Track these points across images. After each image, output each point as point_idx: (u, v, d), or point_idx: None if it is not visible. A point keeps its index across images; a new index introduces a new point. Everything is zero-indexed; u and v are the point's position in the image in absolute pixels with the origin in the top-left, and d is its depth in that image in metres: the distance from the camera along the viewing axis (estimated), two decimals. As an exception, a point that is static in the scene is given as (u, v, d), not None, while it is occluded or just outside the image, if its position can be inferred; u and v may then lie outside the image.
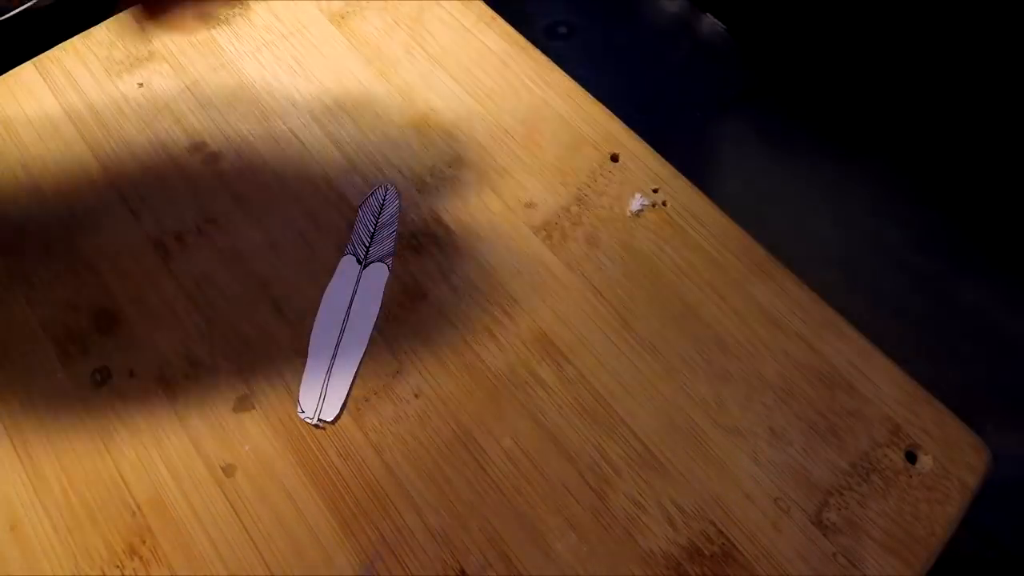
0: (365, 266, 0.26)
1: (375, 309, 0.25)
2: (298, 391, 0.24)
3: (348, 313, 0.25)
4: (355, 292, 0.25)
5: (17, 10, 0.34)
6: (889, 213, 0.39)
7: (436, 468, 0.23)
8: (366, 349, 0.25)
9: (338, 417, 0.23)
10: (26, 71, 0.30)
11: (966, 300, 0.37)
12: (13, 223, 0.27)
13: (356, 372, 0.24)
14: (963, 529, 0.23)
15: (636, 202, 0.28)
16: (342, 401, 0.23)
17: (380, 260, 0.26)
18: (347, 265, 0.26)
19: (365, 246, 0.26)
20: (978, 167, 0.38)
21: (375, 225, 0.26)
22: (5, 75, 0.30)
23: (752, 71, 0.44)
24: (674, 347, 0.25)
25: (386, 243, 0.26)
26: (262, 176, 0.28)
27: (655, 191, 0.28)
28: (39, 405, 0.24)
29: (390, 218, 0.27)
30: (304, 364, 0.24)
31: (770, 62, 0.44)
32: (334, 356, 0.24)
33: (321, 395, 0.24)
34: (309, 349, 0.24)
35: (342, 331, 0.25)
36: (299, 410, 0.23)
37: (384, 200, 0.27)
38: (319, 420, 0.23)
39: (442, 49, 0.31)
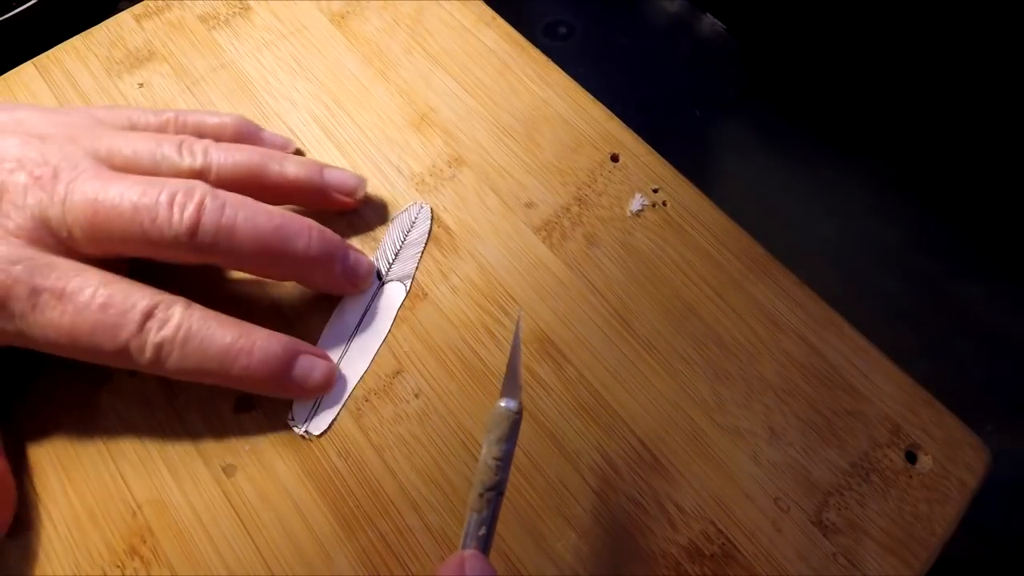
0: (383, 283, 0.26)
1: (384, 329, 0.25)
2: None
3: (357, 328, 0.25)
4: (368, 308, 0.25)
5: (17, 10, 0.34)
6: (889, 213, 0.39)
7: (436, 468, 0.23)
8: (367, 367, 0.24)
9: (324, 433, 0.23)
10: (26, 71, 0.30)
11: (966, 300, 0.37)
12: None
13: (352, 391, 0.24)
14: (963, 529, 0.23)
15: (636, 202, 0.28)
16: (333, 417, 0.23)
17: (400, 280, 0.25)
18: None
19: (388, 262, 0.26)
20: (978, 167, 0.38)
21: (402, 242, 0.26)
22: (5, 75, 0.30)
23: (752, 71, 0.44)
24: (674, 346, 0.25)
25: (409, 263, 0.26)
26: (262, 176, 0.28)
27: (655, 191, 0.28)
28: (39, 405, 0.24)
29: (418, 238, 0.26)
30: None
31: (770, 62, 0.44)
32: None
33: (314, 407, 0.23)
34: None
35: (348, 345, 0.24)
36: (289, 417, 0.23)
37: (416, 218, 0.26)
38: (306, 432, 0.23)
39: (442, 49, 0.31)
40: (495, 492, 0.18)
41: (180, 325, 0.21)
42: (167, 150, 0.23)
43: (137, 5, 0.33)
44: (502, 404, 0.18)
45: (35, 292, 0.20)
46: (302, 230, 0.23)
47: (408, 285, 0.25)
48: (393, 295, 0.25)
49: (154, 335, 0.20)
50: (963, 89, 0.36)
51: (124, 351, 0.20)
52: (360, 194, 0.26)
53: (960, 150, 0.38)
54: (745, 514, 0.22)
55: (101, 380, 0.24)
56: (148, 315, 0.20)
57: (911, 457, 0.23)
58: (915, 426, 0.24)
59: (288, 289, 0.25)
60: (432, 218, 0.27)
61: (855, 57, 0.40)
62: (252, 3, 0.33)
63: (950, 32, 0.35)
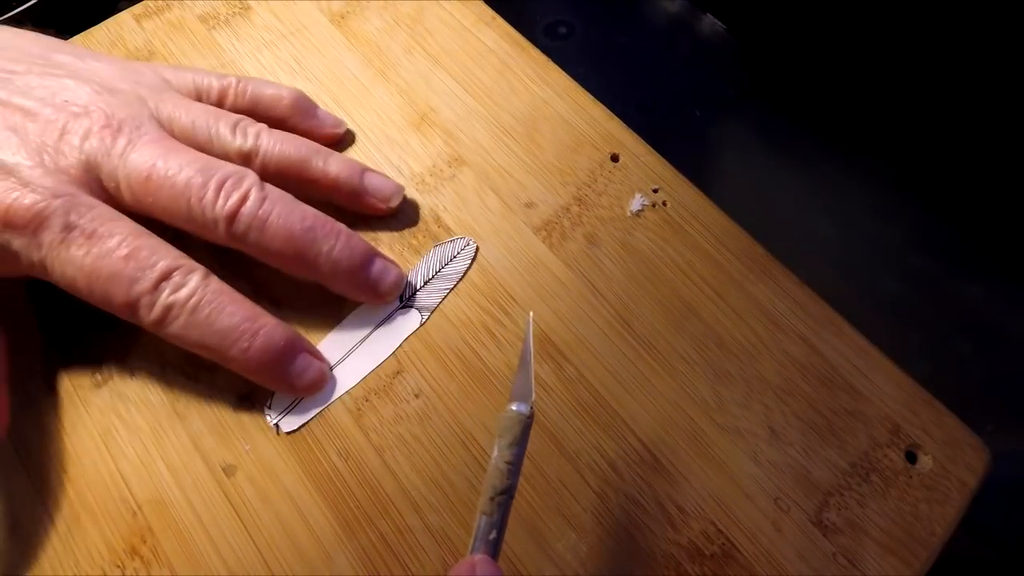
0: (403, 306, 0.25)
1: (386, 352, 0.24)
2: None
3: (361, 342, 0.25)
4: (378, 326, 0.25)
5: (17, 10, 0.34)
6: (889, 213, 0.39)
7: (436, 468, 0.23)
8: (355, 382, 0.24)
9: (293, 432, 0.23)
10: (26, 71, 0.30)
11: (966, 300, 0.37)
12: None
13: (331, 402, 0.24)
14: (963, 529, 0.23)
15: (636, 202, 0.28)
16: (306, 420, 0.23)
17: (419, 309, 0.25)
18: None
19: (415, 288, 0.25)
20: (978, 167, 0.38)
21: (436, 272, 0.26)
22: (5, 75, 0.30)
23: (752, 71, 0.44)
24: (674, 347, 0.25)
25: (435, 295, 0.25)
26: (262, 176, 0.28)
27: (655, 191, 0.28)
28: (39, 405, 0.24)
29: (454, 273, 0.26)
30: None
31: (771, 62, 0.44)
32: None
33: (293, 403, 0.23)
34: None
35: (346, 356, 0.24)
36: (267, 404, 0.23)
37: (458, 253, 0.26)
38: (276, 425, 0.23)
39: (442, 49, 0.31)
40: (506, 496, 0.18)
41: (193, 292, 0.21)
42: (223, 128, 0.24)
43: (137, 5, 0.33)
44: (513, 407, 0.18)
45: (68, 227, 0.20)
46: (330, 234, 0.23)
47: (425, 318, 0.25)
48: (407, 322, 0.25)
49: (166, 296, 0.21)
50: (963, 89, 0.36)
51: (133, 305, 0.21)
52: (395, 202, 0.26)
53: (960, 150, 0.38)
54: (745, 514, 0.22)
55: (101, 380, 0.24)
56: (166, 275, 0.21)
57: (911, 457, 0.23)
58: (915, 426, 0.24)
59: (299, 289, 0.25)
60: (474, 258, 0.26)
61: (855, 57, 0.40)
62: (252, 3, 0.33)
63: (950, 32, 0.35)
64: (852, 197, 0.39)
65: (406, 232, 0.27)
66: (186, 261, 0.22)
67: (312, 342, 0.24)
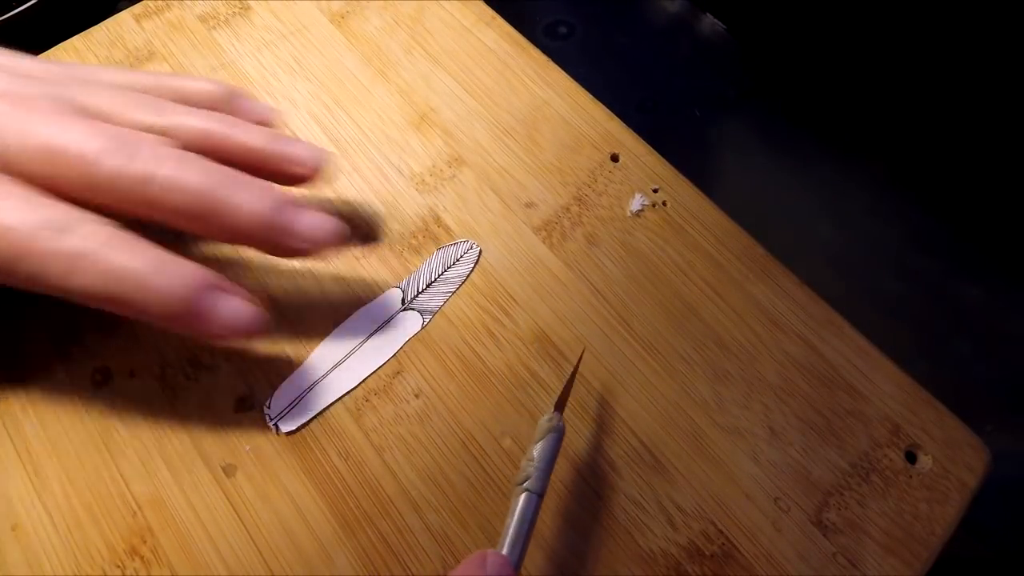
0: (405, 308, 0.25)
1: (386, 355, 0.24)
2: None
3: (364, 343, 0.25)
4: (380, 328, 0.25)
5: (17, 10, 0.34)
6: (888, 213, 0.39)
7: (436, 468, 0.23)
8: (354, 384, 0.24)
9: (292, 433, 0.23)
10: (26, 71, 0.30)
11: (966, 300, 0.37)
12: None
13: (333, 402, 0.24)
14: (963, 529, 0.23)
15: (636, 202, 0.28)
16: (306, 420, 0.23)
17: (421, 312, 0.25)
18: (390, 298, 0.25)
19: (417, 290, 0.25)
20: (978, 167, 0.38)
21: (439, 275, 0.26)
22: (5, 75, 0.30)
23: (752, 71, 0.44)
24: (674, 347, 0.25)
25: (437, 299, 0.25)
26: (262, 176, 0.28)
27: (655, 191, 0.28)
28: (39, 405, 0.24)
29: (456, 276, 0.26)
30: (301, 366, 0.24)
31: (771, 62, 0.44)
32: (326, 375, 0.24)
33: (293, 404, 0.23)
34: (312, 355, 0.24)
35: (346, 357, 0.24)
36: (266, 404, 0.23)
37: (461, 256, 0.26)
38: (276, 425, 0.23)
39: (442, 49, 0.31)
40: (522, 487, 0.19)
41: (88, 236, 0.19)
42: (135, 107, 0.23)
43: (137, 5, 0.33)
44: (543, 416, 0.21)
45: None
46: (239, 182, 0.21)
47: (427, 320, 0.25)
48: (409, 324, 0.25)
49: (55, 244, 0.19)
50: (963, 89, 0.36)
51: (34, 263, 0.19)
52: (317, 166, 0.24)
53: (960, 150, 0.38)
54: (745, 514, 0.22)
55: (101, 380, 0.24)
56: (69, 222, 0.19)
57: (911, 457, 0.23)
58: (915, 426, 0.24)
59: (298, 289, 0.25)
60: (477, 261, 0.26)
61: (855, 57, 0.40)
62: (252, 3, 0.33)
63: (950, 32, 0.35)
64: (852, 197, 0.39)
65: (406, 232, 0.27)
66: (77, 211, 0.20)
67: (313, 343, 0.24)
